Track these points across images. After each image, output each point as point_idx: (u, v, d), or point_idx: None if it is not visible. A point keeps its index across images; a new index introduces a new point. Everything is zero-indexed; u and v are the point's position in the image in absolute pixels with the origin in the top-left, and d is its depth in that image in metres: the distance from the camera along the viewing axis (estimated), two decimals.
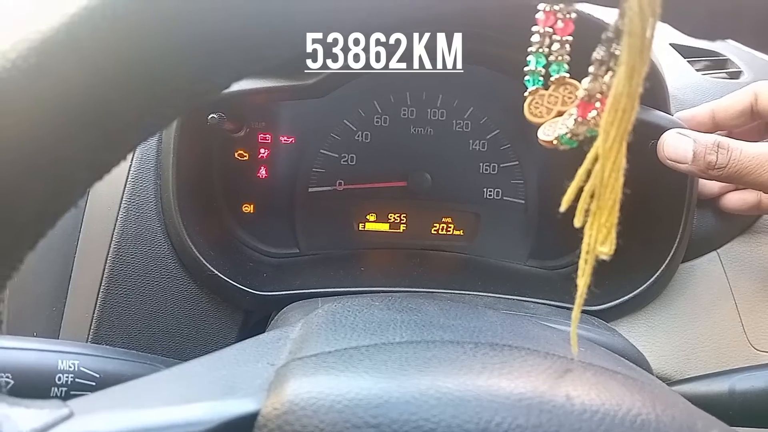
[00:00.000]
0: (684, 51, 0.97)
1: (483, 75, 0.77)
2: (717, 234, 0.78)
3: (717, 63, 1.01)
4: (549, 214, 0.86)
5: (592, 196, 0.33)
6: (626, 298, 0.73)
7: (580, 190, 0.33)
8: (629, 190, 0.83)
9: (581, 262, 0.35)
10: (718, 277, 0.78)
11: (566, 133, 0.36)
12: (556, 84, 0.40)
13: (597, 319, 0.66)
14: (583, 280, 0.35)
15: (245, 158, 0.83)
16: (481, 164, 0.85)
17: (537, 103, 0.40)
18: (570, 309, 0.70)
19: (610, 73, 0.33)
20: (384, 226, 0.87)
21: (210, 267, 0.69)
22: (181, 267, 0.69)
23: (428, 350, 0.37)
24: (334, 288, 0.70)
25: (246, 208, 0.84)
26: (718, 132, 0.73)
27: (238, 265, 0.76)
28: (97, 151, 0.28)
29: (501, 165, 0.85)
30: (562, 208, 0.34)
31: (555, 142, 0.37)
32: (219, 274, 0.69)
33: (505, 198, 0.86)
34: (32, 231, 0.27)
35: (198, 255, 0.68)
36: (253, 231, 0.84)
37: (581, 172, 0.33)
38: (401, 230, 0.87)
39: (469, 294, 0.70)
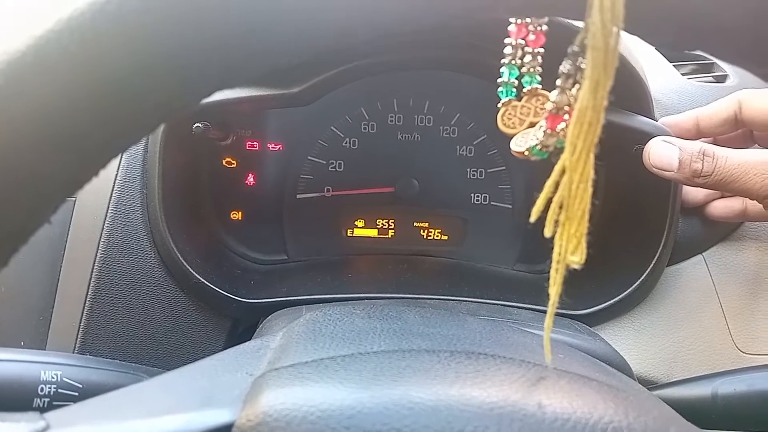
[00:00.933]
0: (670, 55, 0.98)
1: (469, 82, 0.77)
2: (702, 238, 0.79)
3: (703, 67, 1.02)
4: (537, 219, 0.86)
5: (561, 207, 0.34)
6: (611, 302, 0.74)
7: (550, 200, 0.34)
8: (614, 194, 0.84)
9: (552, 272, 0.36)
10: (704, 280, 0.78)
11: (536, 145, 0.36)
12: (529, 95, 0.40)
13: (579, 324, 0.66)
14: (554, 289, 0.36)
15: (233, 166, 0.83)
16: (468, 169, 0.86)
17: (510, 114, 0.40)
18: (561, 314, 0.71)
19: (576, 86, 0.33)
20: (372, 232, 0.87)
21: (196, 275, 0.69)
22: (168, 275, 0.69)
23: (403, 359, 0.37)
24: (321, 295, 0.70)
25: (234, 216, 0.84)
26: (702, 139, 0.73)
27: (226, 273, 0.76)
28: (72, 171, 0.28)
29: (488, 170, 0.85)
30: (532, 218, 0.34)
31: (526, 153, 0.37)
32: (205, 281, 0.69)
33: (492, 203, 0.86)
34: (4, 249, 0.28)
35: (184, 263, 0.68)
36: (241, 238, 0.84)
37: (549, 183, 0.33)
38: (389, 236, 0.87)
39: (455, 299, 0.70)
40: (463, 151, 0.85)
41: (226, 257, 0.82)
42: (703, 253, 0.80)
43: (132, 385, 0.39)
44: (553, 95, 0.34)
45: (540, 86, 0.40)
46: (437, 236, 0.87)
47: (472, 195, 0.86)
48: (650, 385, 0.72)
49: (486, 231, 0.86)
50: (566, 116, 0.34)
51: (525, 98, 0.40)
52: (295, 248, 0.85)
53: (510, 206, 0.86)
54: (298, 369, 0.36)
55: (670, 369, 0.76)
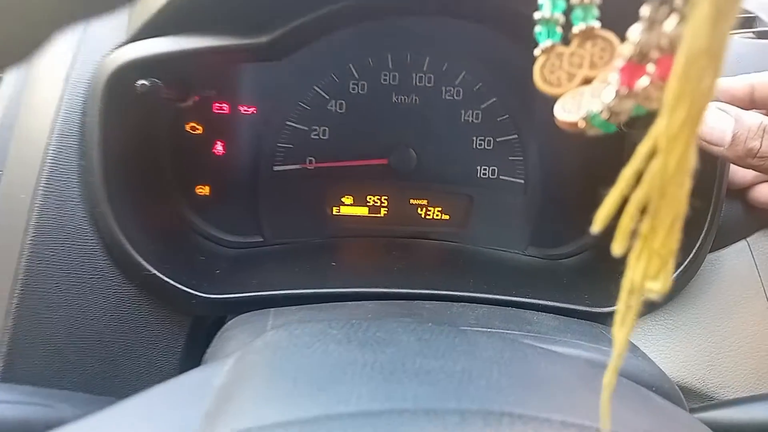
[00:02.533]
0: None
1: (477, 33, 0.65)
2: (746, 222, 0.68)
3: (744, 21, 0.89)
4: (552, 196, 0.76)
5: (643, 211, 0.21)
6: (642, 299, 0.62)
7: (624, 200, 0.22)
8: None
9: (620, 305, 0.24)
10: (748, 270, 0.68)
11: (600, 111, 0.24)
12: (582, 38, 0.27)
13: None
14: (622, 333, 0.24)
15: (198, 132, 0.73)
16: (474, 138, 0.76)
17: (553, 65, 0.27)
18: (581, 311, 0.60)
19: (675, 16, 0.21)
20: (362, 211, 0.78)
21: (146, 265, 0.58)
22: (113, 265, 0.59)
23: (396, 429, 0.25)
24: (298, 289, 0.59)
25: (200, 190, 0.75)
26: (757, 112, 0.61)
27: (186, 261, 0.65)
28: None
29: (497, 139, 0.76)
30: (596, 227, 0.22)
31: (582, 123, 0.25)
32: (158, 273, 0.58)
33: (501, 177, 0.77)
34: None
35: (131, 250, 0.57)
36: (208, 217, 0.74)
37: (628, 174, 0.21)
38: (382, 215, 0.78)
39: (459, 295, 0.59)
40: (468, 116, 0.76)
41: (189, 240, 0.71)
42: (748, 240, 0.68)
43: None
44: (634, 33, 0.21)
45: (599, 24, 0.27)
46: (437, 216, 0.78)
47: (479, 168, 0.77)
48: (688, 395, 0.62)
49: (494, 210, 0.77)
50: (651, 68, 0.21)
51: (576, 42, 0.27)
52: (271, 229, 0.76)
53: (522, 181, 0.77)
54: None
55: (706, 374, 0.66)
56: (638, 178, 0.21)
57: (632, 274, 0.23)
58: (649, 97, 0.22)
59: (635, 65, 0.22)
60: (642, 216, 0.22)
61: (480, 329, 0.44)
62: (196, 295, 0.59)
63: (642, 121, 0.23)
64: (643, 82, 0.22)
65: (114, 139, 0.59)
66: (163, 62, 0.56)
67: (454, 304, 0.52)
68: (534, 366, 0.35)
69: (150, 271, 0.58)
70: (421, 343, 0.35)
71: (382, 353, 0.34)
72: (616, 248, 0.22)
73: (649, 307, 0.64)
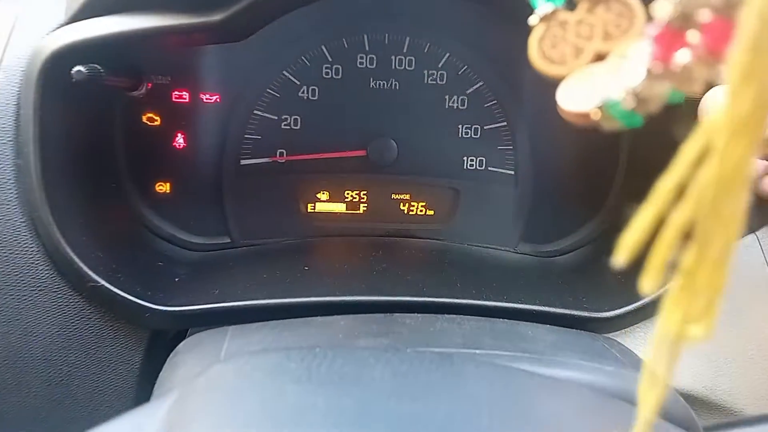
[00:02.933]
0: None
1: (462, 8, 0.59)
2: (755, 216, 0.63)
3: None
4: (544, 187, 0.73)
5: (686, 235, 0.15)
6: (645, 301, 0.58)
7: (658, 221, 0.16)
8: (640, 154, 0.66)
9: (653, 354, 0.18)
10: (758, 266, 0.63)
11: (622, 98, 0.17)
12: (592, 2, 0.21)
13: (617, 345, 0.49)
14: (653, 395, 0.18)
15: (156, 123, 0.68)
16: (460, 127, 0.72)
17: (555, 37, 0.21)
18: (579, 317, 0.55)
19: None
20: (339, 207, 0.73)
21: (92, 275, 0.52)
22: (58, 276, 0.54)
23: None
24: (264, 299, 0.54)
25: (160, 188, 0.69)
26: None
27: (141, 268, 0.59)
28: None
29: (485, 127, 0.72)
30: (622, 259, 0.16)
31: (596, 113, 0.19)
32: (106, 284, 0.52)
33: (490, 168, 0.73)
34: None
35: (75, 259, 0.52)
36: (169, 216, 0.69)
37: (666, 187, 0.15)
38: (361, 211, 0.73)
39: (444, 302, 0.54)
40: (453, 102, 0.71)
41: (146, 244, 0.66)
42: (756, 233, 0.64)
43: None
44: None
45: None
46: (421, 211, 0.74)
47: (465, 158, 0.73)
48: (696, 409, 0.57)
49: (482, 204, 0.73)
50: (694, 37, 0.15)
51: (584, 6, 0.21)
52: (239, 229, 0.71)
53: (512, 172, 0.73)
54: None
55: (714, 382, 0.61)
56: (680, 191, 0.15)
57: (669, 319, 0.17)
58: (691, 78, 0.16)
59: (673, 32, 0.16)
60: (683, 242, 0.16)
61: (468, 350, 0.38)
62: (150, 307, 0.53)
63: (681, 112, 0.16)
64: (683, 56, 0.16)
65: (54, 134, 0.54)
66: (104, 46, 0.50)
67: (439, 317, 0.47)
68: (530, 403, 0.29)
69: (97, 282, 0.52)
70: (396, 379, 0.29)
71: (347, 395, 0.28)
72: (647, 286, 0.16)
73: (648, 311, 0.59)
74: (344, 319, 0.44)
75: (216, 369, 0.32)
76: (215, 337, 0.43)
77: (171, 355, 0.44)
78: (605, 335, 0.52)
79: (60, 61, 0.50)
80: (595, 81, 0.19)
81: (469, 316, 0.46)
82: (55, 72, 0.50)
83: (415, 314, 0.47)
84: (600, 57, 0.20)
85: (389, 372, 0.30)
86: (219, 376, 0.30)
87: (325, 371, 0.30)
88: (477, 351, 0.38)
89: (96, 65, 0.50)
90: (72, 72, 0.48)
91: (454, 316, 0.46)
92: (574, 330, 0.49)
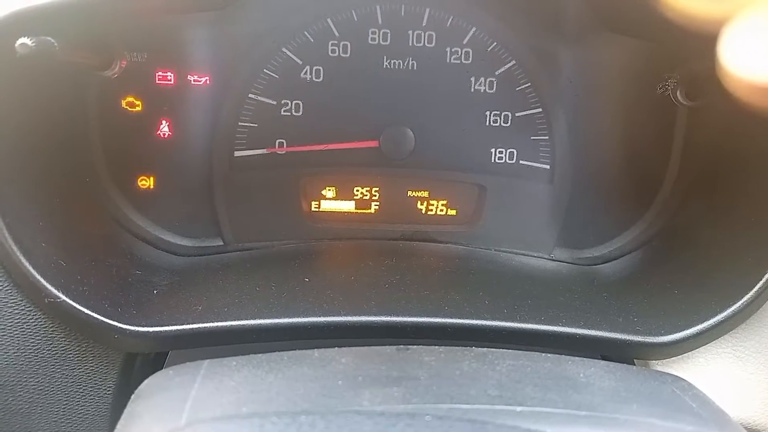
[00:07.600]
0: None
1: None
2: None
3: None
4: (585, 184, 0.67)
5: None
6: (712, 321, 0.51)
7: None
8: (703, 153, 0.57)
9: None
10: None
11: None
12: None
13: (694, 391, 0.40)
14: None
15: (137, 109, 0.62)
16: (488, 113, 0.66)
17: None
18: (633, 342, 0.50)
19: None
20: (347, 206, 0.68)
21: (50, 288, 0.46)
22: (15, 289, 0.48)
23: None
24: (253, 320, 0.47)
25: (143, 183, 0.65)
26: None
27: (113, 279, 0.54)
28: None
29: (517, 114, 0.67)
30: None
31: None
32: (66, 298, 0.47)
33: (521, 162, 0.68)
34: None
35: (30, 268, 0.46)
36: (152, 215, 0.64)
37: None
38: (372, 211, 0.69)
39: (470, 325, 0.48)
40: (480, 85, 0.66)
41: (122, 248, 0.60)
42: None
43: None
44: None
45: None
46: (441, 211, 0.70)
47: (493, 151, 0.68)
48: None
49: (512, 203, 0.68)
50: None
51: None
52: (233, 230, 0.66)
53: (547, 167, 0.68)
54: None
55: None
56: None
57: None
58: None
59: None
60: None
61: (506, 407, 0.30)
62: (120, 327, 0.48)
63: None
64: None
65: (6, 122, 0.47)
66: (58, 14, 0.42)
67: (466, 353, 0.39)
68: None
69: (56, 297, 0.46)
70: None
71: None
72: None
73: (715, 333, 0.53)
74: (346, 355, 0.36)
75: None
76: (183, 381, 0.35)
77: (134, 396, 0.36)
78: (672, 373, 0.44)
79: (7, 33, 0.42)
80: None
81: (503, 350, 0.38)
82: (2, 48, 0.43)
83: (436, 348, 0.39)
84: None
85: None
86: None
87: None
88: (518, 408, 0.29)
89: (49, 38, 0.42)
90: (17, 45, 0.41)
91: (486, 351, 0.38)
92: (634, 368, 0.41)
